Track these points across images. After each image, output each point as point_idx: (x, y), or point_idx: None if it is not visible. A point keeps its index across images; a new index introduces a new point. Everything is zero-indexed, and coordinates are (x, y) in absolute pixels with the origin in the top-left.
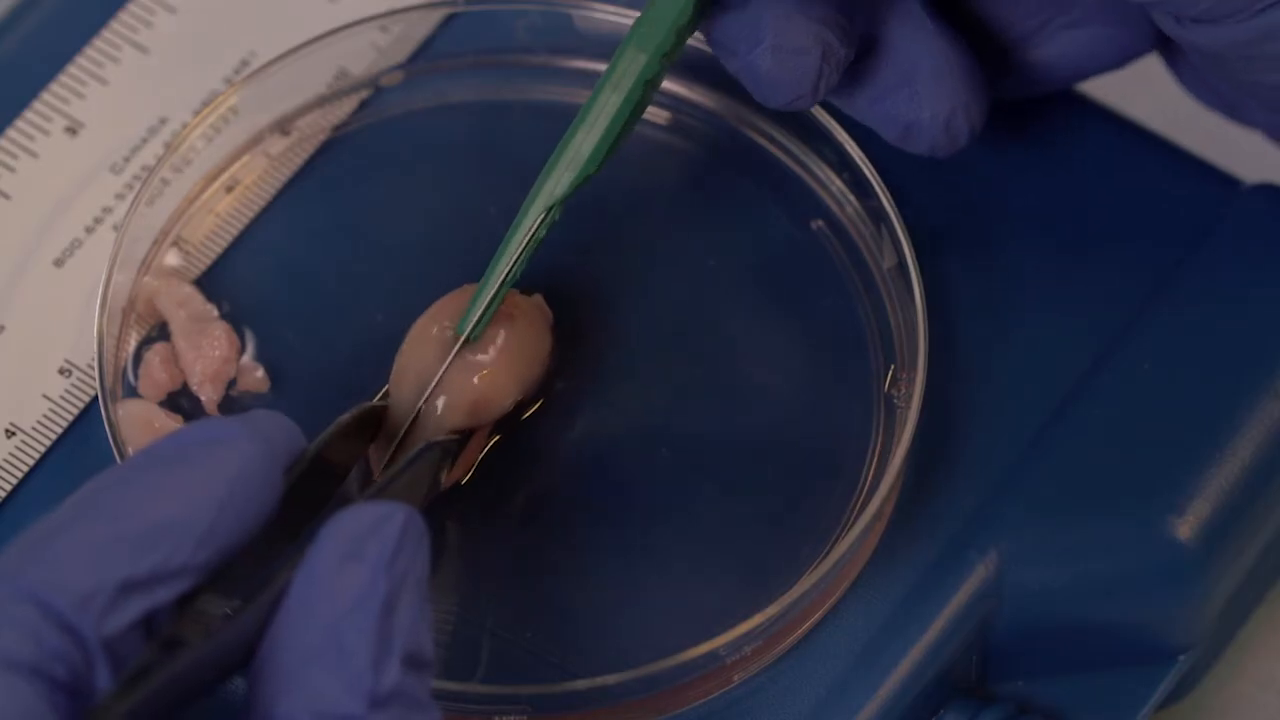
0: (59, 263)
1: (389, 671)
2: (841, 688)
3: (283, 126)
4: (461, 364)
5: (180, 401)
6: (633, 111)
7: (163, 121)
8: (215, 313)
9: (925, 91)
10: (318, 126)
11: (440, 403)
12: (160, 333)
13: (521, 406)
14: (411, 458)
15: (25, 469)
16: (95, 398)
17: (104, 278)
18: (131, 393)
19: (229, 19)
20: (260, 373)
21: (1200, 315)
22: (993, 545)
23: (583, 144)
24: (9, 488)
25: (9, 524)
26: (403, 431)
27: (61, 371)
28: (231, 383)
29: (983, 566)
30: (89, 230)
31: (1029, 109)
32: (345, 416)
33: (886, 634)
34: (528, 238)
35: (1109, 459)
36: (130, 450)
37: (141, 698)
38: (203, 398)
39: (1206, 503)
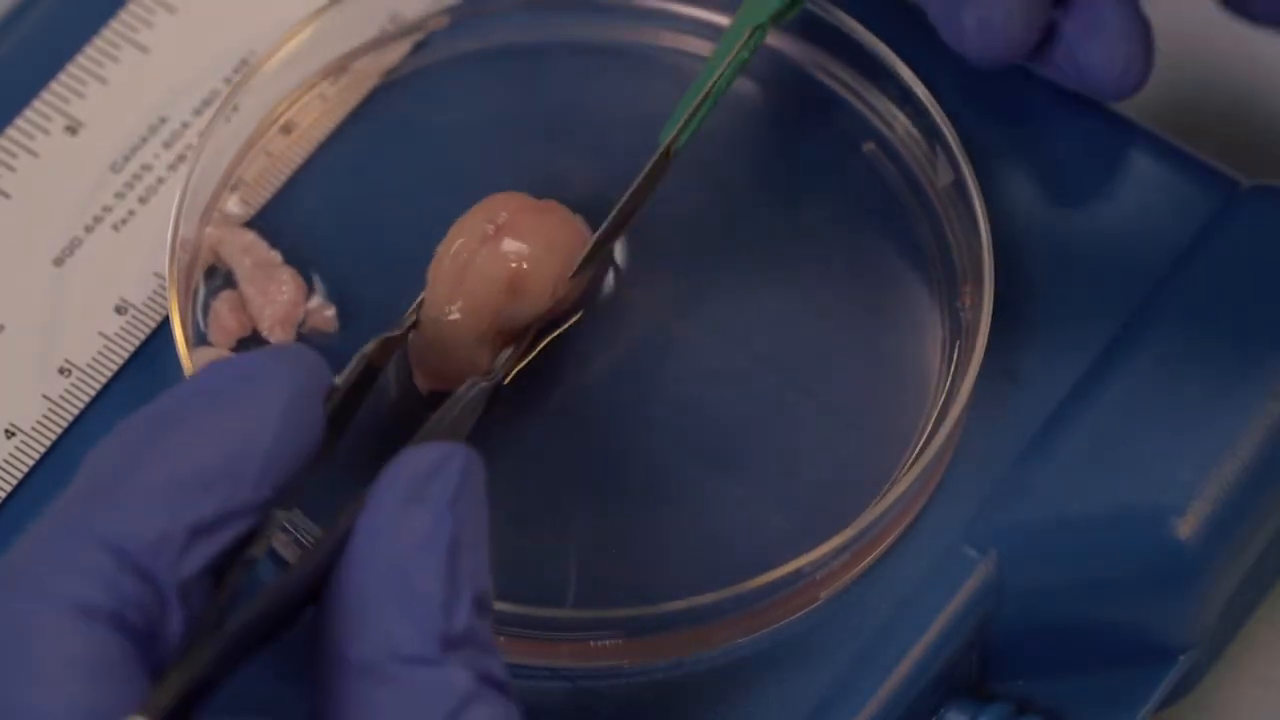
0: (59, 262)
1: (460, 613)
2: (841, 687)
3: (337, 70)
4: (499, 248)
5: (250, 347)
6: None
7: (163, 121)
8: (279, 258)
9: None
10: (372, 69)
11: (480, 281)
12: (225, 281)
13: (558, 320)
14: (456, 398)
15: (25, 469)
16: (95, 399)
17: (170, 229)
18: (202, 340)
19: (229, 19)
20: (330, 312)
21: (1200, 315)
22: (993, 545)
23: None
24: (9, 488)
25: (9, 525)
26: (446, 318)
27: (61, 371)
28: (300, 323)
29: (983, 566)
30: (89, 229)
31: (1028, 110)
32: (367, 347)
33: (886, 633)
34: (733, 56)
35: (1109, 459)
36: None
37: (215, 652)
38: (273, 340)
39: (1206, 503)
